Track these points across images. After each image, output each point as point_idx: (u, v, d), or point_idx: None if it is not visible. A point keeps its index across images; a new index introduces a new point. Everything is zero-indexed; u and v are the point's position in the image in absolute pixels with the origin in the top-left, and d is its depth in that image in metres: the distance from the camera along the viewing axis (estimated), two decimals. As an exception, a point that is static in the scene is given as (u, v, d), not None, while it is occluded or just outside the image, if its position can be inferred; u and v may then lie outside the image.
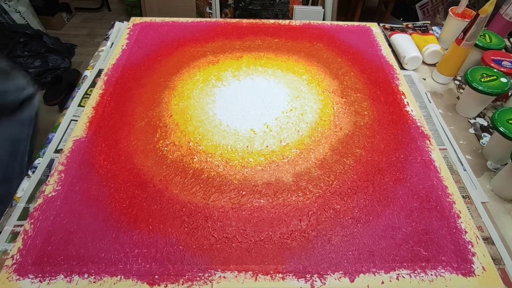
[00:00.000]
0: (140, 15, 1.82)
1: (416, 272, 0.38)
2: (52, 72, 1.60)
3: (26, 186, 0.46)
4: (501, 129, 0.48)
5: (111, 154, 0.48)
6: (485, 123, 0.59)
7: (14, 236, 0.41)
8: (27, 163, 0.75)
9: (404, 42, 0.71)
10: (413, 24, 0.79)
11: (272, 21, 0.75)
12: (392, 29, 0.77)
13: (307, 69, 0.64)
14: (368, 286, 0.37)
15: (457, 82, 0.68)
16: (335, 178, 0.47)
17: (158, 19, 0.75)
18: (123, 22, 0.77)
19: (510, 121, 0.49)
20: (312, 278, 0.37)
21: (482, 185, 0.49)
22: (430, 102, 0.62)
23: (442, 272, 0.38)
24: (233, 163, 0.48)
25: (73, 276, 0.37)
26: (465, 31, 0.59)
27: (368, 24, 0.76)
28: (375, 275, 0.38)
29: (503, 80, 0.56)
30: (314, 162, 0.48)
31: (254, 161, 0.48)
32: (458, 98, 0.64)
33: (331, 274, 0.38)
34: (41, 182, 0.47)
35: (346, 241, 0.40)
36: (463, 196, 0.47)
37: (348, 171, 0.48)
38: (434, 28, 0.81)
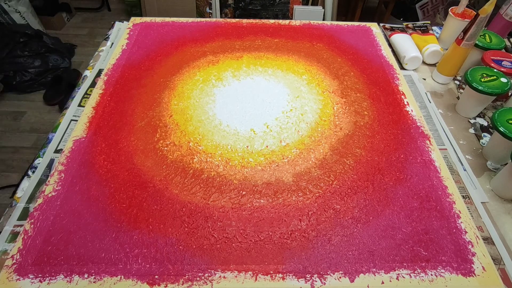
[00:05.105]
0: (140, 15, 1.82)
1: (416, 272, 0.38)
2: (52, 72, 1.60)
3: (26, 186, 0.46)
4: (501, 129, 0.48)
5: (111, 154, 0.48)
6: (485, 123, 0.59)
7: (14, 236, 0.41)
8: None
9: (404, 42, 0.71)
10: (413, 24, 0.79)
11: (272, 21, 0.75)
12: (392, 29, 0.77)
13: (307, 69, 0.64)
14: (368, 286, 0.37)
15: (457, 82, 0.68)
16: (335, 178, 0.47)
17: (158, 19, 0.75)
18: (123, 22, 0.77)
19: (510, 121, 0.49)
20: (312, 278, 0.37)
21: (482, 185, 0.49)
22: (430, 102, 0.62)
23: (442, 272, 0.38)
24: (233, 163, 0.48)
25: (73, 276, 0.37)
26: (465, 31, 0.59)
27: (368, 24, 0.76)
28: (375, 275, 0.38)
29: (503, 80, 0.56)
30: (314, 162, 0.48)
31: (254, 161, 0.48)
32: (458, 98, 0.64)
33: (331, 274, 0.38)
34: (41, 182, 0.47)
35: (346, 241, 0.40)
36: (463, 196, 0.47)
37: (348, 171, 0.48)
38: (434, 28, 0.81)
